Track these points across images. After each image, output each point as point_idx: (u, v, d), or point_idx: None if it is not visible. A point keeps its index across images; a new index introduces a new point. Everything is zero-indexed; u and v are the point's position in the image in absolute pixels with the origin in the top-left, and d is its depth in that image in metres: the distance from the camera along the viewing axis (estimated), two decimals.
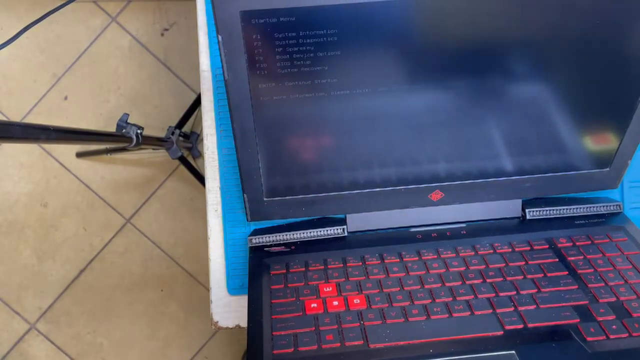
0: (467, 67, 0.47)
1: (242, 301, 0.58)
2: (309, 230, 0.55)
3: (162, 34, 1.33)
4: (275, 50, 0.44)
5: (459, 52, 0.46)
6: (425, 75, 0.47)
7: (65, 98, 1.34)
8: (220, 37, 0.43)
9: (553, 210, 0.56)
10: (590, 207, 0.56)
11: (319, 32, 0.43)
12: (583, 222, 0.55)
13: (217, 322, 0.58)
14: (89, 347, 1.38)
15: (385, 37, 0.45)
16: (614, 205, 0.57)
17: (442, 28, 0.45)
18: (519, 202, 0.56)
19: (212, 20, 0.57)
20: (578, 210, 0.56)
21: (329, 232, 0.56)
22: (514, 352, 0.42)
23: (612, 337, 0.43)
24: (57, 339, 1.39)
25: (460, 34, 0.46)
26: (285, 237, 0.55)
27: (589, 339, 0.43)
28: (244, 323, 0.58)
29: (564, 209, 0.56)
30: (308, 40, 0.44)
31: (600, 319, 0.44)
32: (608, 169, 0.54)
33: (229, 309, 0.59)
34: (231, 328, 0.59)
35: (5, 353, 1.39)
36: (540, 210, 0.56)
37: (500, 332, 0.44)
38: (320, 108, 0.48)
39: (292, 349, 0.43)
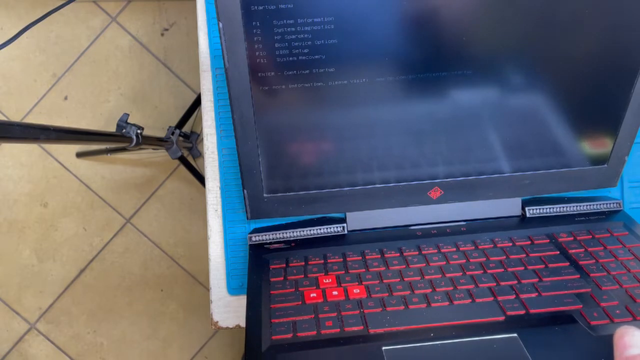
0: (465, 61, 0.47)
1: (242, 301, 0.58)
2: (308, 229, 0.56)
3: (162, 34, 1.34)
4: (274, 38, 0.44)
5: (457, 45, 0.46)
6: (423, 68, 0.47)
7: (65, 98, 1.34)
8: (220, 24, 0.43)
9: (553, 208, 0.56)
10: (590, 204, 0.56)
11: (317, 19, 0.43)
12: (583, 219, 0.55)
13: (217, 322, 0.58)
14: (89, 347, 1.38)
15: (382, 27, 0.45)
16: (614, 203, 0.57)
17: (440, 18, 0.45)
18: (518, 200, 0.56)
19: (213, 20, 0.57)
20: (578, 208, 0.56)
21: (328, 230, 0.56)
22: (515, 335, 0.41)
23: (616, 321, 0.42)
24: (57, 339, 1.38)
25: (459, 27, 0.45)
26: (285, 235, 0.56)
27: (592, 322, 0.43)
28: (244, 323, 0.58)
29: (564, 207, 0.56)
30: (306, 28, 0.44)
31: (603, 304, 0.44)
32: (606, 165, 0.54)
33: (229, 309, 0.59)
34: (231, 328, 0.59)
35: (5, 353, 1.38)
36: (540, 209, 0.56)
37: (502, 318, 0.44)
38: (319, 99, 0.48)
39: (291, 335, 0.43)
